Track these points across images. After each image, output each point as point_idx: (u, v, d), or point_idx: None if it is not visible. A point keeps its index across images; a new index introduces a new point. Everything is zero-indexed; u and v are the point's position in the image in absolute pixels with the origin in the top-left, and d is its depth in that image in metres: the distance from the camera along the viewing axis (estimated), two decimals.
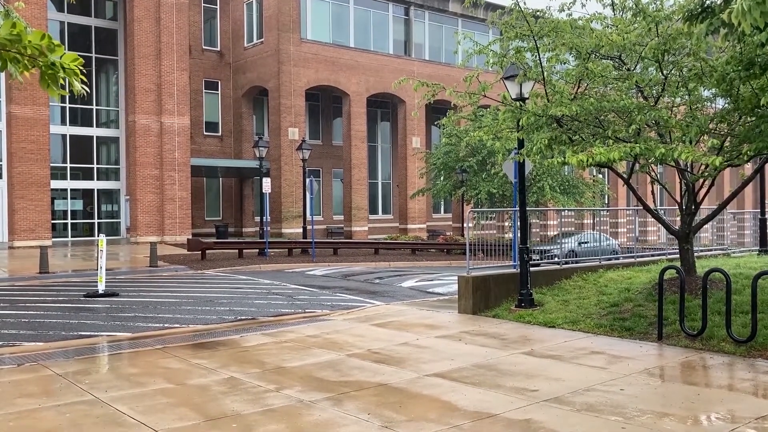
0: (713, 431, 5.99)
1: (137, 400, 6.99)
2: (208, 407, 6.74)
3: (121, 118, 33.93)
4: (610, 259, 21.68)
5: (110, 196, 34.58)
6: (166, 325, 11.88)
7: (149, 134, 31.64)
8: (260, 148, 29.07)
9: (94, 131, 33.82)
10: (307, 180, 28.00)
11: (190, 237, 30.09)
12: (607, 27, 11.32)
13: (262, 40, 36.47)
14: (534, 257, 23.36)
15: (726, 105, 10.24)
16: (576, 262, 21.14)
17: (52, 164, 30.09)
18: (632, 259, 15.75)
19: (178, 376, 8.06)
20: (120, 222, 34.29)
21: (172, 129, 32.05)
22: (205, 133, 38.52)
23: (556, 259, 21.22)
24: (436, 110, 39.64)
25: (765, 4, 4.80)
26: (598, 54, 11.05)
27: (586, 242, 25.29)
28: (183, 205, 32.33)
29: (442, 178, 33.99)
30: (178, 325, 11.86)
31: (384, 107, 42.73)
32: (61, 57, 4.15)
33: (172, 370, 8.33)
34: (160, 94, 31.76)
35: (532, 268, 12.66)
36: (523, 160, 11.81)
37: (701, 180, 11.51)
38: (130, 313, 13.13)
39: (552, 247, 25.01)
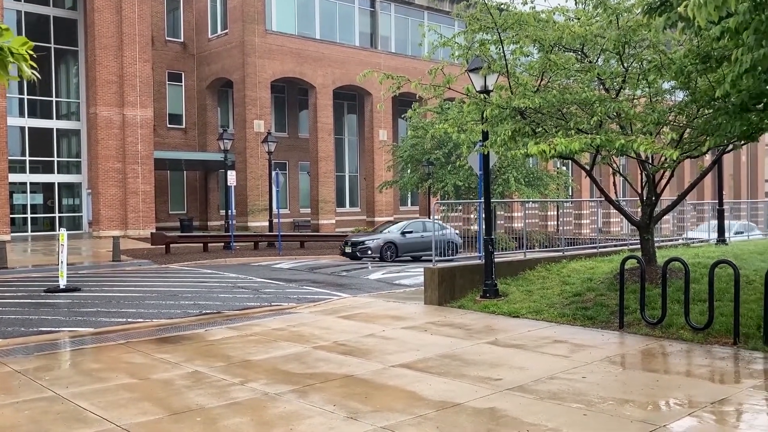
0: (672, 416, 6.13)
1: (99, 395, 6.89)
2: (172, 401, 6.68)
3: (82, 110, 33.28)
4: (445, 253, 21.63)
5: (71, 189, 33.92)
6: (129, 320, 11.72)
7: (111, 127, 31.08)
8: (225, 141, 28.80)
9: (54, 123, 33.11)
10: (273, 173, 27.83)
11: (153, 231, 29.70)
12: (570, 19, 11.45)
13: (227, 31, 36.05)
14: (346, 249, 24.71)
15: (684, 97, 10.45)
16: (398, 256, 23.97)
17: (10, 157, 29.38)
18: (595, 250, 15.99)
19: (142, 370, 7.96)
20: (82, 216, 33.67)
21: (135, 121, 31.53)
22: (168, 125, 37.98)
23: (369, 253, 23.98)
24: (403, 103, 39.69)
25: None
26: (560, 46, 11.18)
27: (411, 231, 25.17)
28: (146, 199, 31.86)
29: (409, 171, 34.07)
30: (141, 320, 11.71)
31: (351, 99, 42.62)
32: (9, 41, 4.04)
33: (136, 365, 8.23)
34: (122, 86, 31.20)
35: (496, 259, 12.78)
36: (488, 152, 11.89)
37: (661, 171, 11.73)
38: (93, 308, 12.92)
39: (367, 239, 24.84)
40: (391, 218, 40.52)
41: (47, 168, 32.89)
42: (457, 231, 25.92)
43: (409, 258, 25.30)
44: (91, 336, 10.40)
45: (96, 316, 12.16)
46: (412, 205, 45.05)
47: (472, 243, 17.97)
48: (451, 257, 23.50)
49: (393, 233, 25.22)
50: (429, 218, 28.85)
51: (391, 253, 24.48)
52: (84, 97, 32.82)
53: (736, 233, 22.78)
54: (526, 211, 20.98)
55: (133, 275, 19.02)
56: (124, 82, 31.20)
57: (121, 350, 9.14)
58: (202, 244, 26.86)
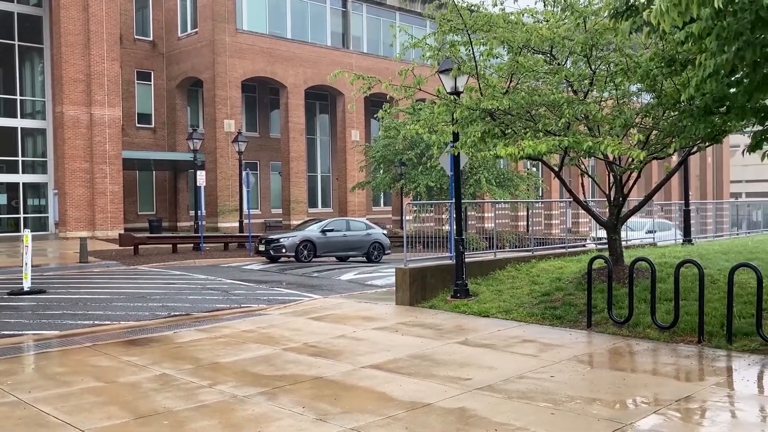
0: (638, 414, 6.22)
1: (63, 399, 6.77)
2: (139, 405, 6.59)
3: (48, 109, 32.67)
4: (370, 256, 21.34)
5: (37, 190, 33.28)
6: (96, 322, 11.54)
7: (78, 126, 30.56)
8: (194, 141, 28.53)
9: (18, 122, 32.46)
10: (244, 173, 27.63)
11: (122, 232, 29.28)
12: (538, 21, 11.55)
13: (197, 30, 35.70)
14: (260, 247, 23.40)
15: (651, 100, 10.62)
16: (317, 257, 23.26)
17: None
18: (564, 250, 16.16)
19: (108, 374, 7.84)
20: (48, 217, 33.05)
21: (103, 120, 31.05)
22: (137, 125, 37.48)
23: (284, 252, 22.67)
24: (376, 103, 39.69)
25: (681, 5, 5.00)
26: (529, 48, 11.27)
27: (332, 230, 23.78)
28: (114, 199, 31.39)
29: (381, 171, 34.08)
30: (108, 322, 11.54)
31: (323, 99, 42.49)
32: None
33: (102, 368, 8.11)
34: (89, 85, 30.70)
35: (467, 259, 12.85)
36: (458, 153, 11.95)
37: (629, 172, 11.90)
38: (58, 311, 12.69)
39: (282, 236, 23.43)
40: (364, 218, 40.47)
41: (11, 168, 32.23)
42: (385, 231, 26.08)
43: (333, 258, 24.30)
44: (56, 339, 10.22)
45: (61, 318, 11.95)
46: (384, 205, 45.08)
47: (443, 243, 18.08)
48: (376, 260, 23.80)
49: (312, 231, 23.73)
50: (362, 217, 29.26)
51: (308, 253, 22.94)
52: (50, 95, 32.22)
53: (648, 232, 20.69)
54: (497, 212, 21.12)
55: (100, 277, 18.73)
56: (91, 81, 30.70)
57: (87, 353, 8.99)
58: (171, 245, 26.55)
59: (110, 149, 31.26)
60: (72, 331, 10.71)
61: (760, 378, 7.33)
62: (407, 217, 15.27)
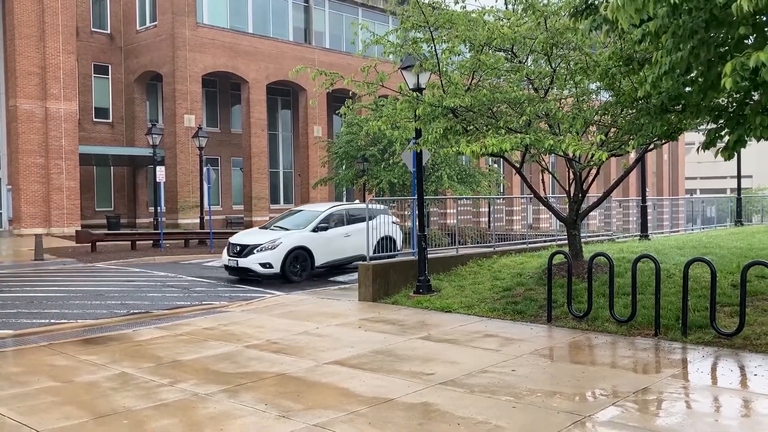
0: (597, 406, 6.33)
1: (19, 400, 6.61)
2: (97, 404, 6.47)
3: (1, 102, 31.76)
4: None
5: None
6: (52, 321, 11.29)
7: (33, 120, 29.79)
8: (154, 136, 28.08)
9: None
10: (205, 169, 27.30)
11: (79, 229, 28.65)
12: (500, 20, 11.65)
13: (156, 23, 35.08)
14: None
15: (609, 98, 10.80)
16: None
17: None
18: (525, 245, 16.35)
19: (65, 373, 7.68)
20: (1, 213, 32.17)
21: (59, 115, 30.33)
22: (94, 119, 36.70)
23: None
24: (338, 99, 39.53)
25: (638, 1, 5.08)
26: (491, 46, 11.36)
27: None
28: (71, 195, 30.70)
29: (344, 167, 33.98)
30: (65, 321, 11.30)
31: (285, 95, 42.19)
32: None
33: (59, 368, 7.94)
34: (44, 78, 29.94)
35: (429, 255, 12.92)
36: (421, 149, 11.99)
37: (588, 169, 12.10)
38: (12, 309, 12.37)
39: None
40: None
41: None
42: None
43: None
44: (10, 338, 9.97)
45: (16, 317, 11.65)
46: (347, 201, 45.00)
47: (406, 239, 18.06)
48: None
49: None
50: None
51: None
52: (3, 89, 31.33)
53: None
54: (459, 208, 21.30)
55: (56, 275, 18.31)
56: (46, 74, 29.95)
57: (44, 352, 8.79)
58: (130, 242, 26.08)
59: (66, 144, 30.56)
60: (27, 330, 10.47)
61: (713, 369, 7.53)
62: (371, 207, 15.28)
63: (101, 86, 37.02)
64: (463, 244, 16.07)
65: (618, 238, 20.10)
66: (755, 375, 7.18)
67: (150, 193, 35.95)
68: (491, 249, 15.46)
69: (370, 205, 17.44)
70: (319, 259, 16.89)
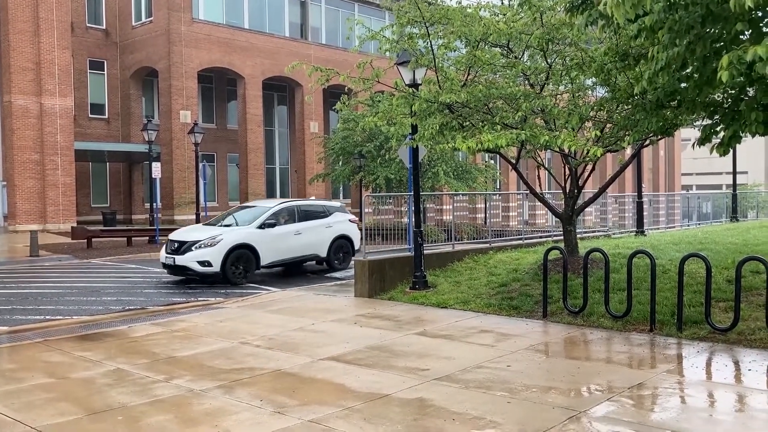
0: (592, 401, 6.33)
1: (13, 396, 6.60)
2: (92, 401, 6.46)
3: None
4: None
5: None
6: (47, 317, 11.26)
7: (28, 116, 29.69)
8: (150, 132, 28.01)
9: None
10: (201, 165, 27.24)
11: (74, 225, 28.60)
12: (495, 15, 11.63)
13: (151, 18, 34.95)
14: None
15: (605, 94, 10.80)
16: None
17: None
18: (521, 241, 16.36)
19: (61, 369, 7.66)
20: None
21: (54, 111, 30.22)
22: (90, 115, 36.58)
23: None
24: (334, 95, 39.47)
25: None
26: (487, 42, 11.35)
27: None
28: (67, 192, 30.62)
29: (340, 163, 33.95)
30: (60, 317, 11.28)
31: (281, 91, 42.10)
32: None
33: (54, 364, 7.92)
34: (39, 74, 29.83)
35: (426, 251, 12.92)
36: (417, 145, 11.97)
37: (583, 165, 12.10)
38: (8, 306, 12.35)
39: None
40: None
41: None
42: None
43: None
44: (5, 335, 9.95)
45: (11, 313, 11.63)
46: (344, 197, 44.95)
47: (402, 235, 18.09)
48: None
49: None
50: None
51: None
52: None
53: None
54: (455, 204, 21.27)
55: (52, 271, 18.27)
56: (41, 70, 29.84)
57: (39, 349, 8.77)
58: (125, 239, 26.03)
59: (62, 140, 30.47)
60: (22, 327, 10.44)
61: (708, 365, 7.55)
62: (366, 210, 15.25)
63: (97, 82, 36.89)
64: (459, 240, 16.05)
65: (614, 233, 20.13)
66: (749, 370, 7.20)
67: (146, 190, 35.88)
68: (487, 245, 15.46)
69: (324, 202, 17.33)
70: (266, 258, 15.63)
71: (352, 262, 16.28)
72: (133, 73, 36.60)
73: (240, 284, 14.93)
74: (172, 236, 16.03)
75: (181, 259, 15.03)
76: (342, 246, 17.14)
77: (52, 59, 30.09)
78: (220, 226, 16.24)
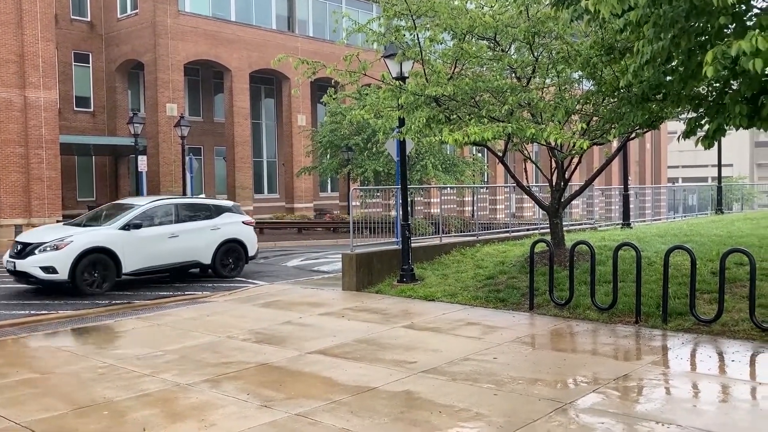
0: (578, 393, 6.38)
1: None
2: (78, 396, 6.42)
3: None
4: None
5: None
6: (32, 312, 11.19)
7: (11, 109, 29.37)
8: (135, 125, 27.85)
9: None
10: (187, 158, 27.13)
11: (60, 219, 28.35)
12: (482, 8, 11.62)
13: (137, 11, 34.66)
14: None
15: (591, 87, 10.83)
16: None
17: None
18: (508, 234, 16.42)
19: (45, 364, 7.62)
20: None
21: (38, 104, 29.92)
22: (75, 108, 36.26)
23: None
24: (322, 87, 39.32)
25: None
26: (473, 35, 11.34)
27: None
28: (52, 185, 30.35)
29: (328, 157, 33.89)
30: (46, 312, 11.20)
31: (268, 84, 41.91)
32: None
33: (39, 359, 7.88)
34: (22, 66, 29.49)
35: (413, 244, 12.93)
36: (404, 138, 11.97)
37: (570, 158, 12.14)
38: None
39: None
40: (310, 204, 40.13)
41: None
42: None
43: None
44: None
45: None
46: (332, 191, 44.89)
47: (390, 228, 18.09)
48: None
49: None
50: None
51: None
52: None
53: None
54: (443, 197, 21.32)
55: None
56: (24, 62, 29.50)
57: (23, 344, 8.71)
58: None
59: (46, 133, 30.18)
60: (6, 321, 10.36)
61: (693, 356, 7.61)
62: (354, 203, 15.22)
63: (82, 75, 36.56)
64: (446, 233, 16.10)
65: (600, 226, 20.23)
66: (733, 361, 7.27)
67: (132, 183, 35.67)
68: (474, 238, 15.51)
69: (213, 201, 15.46)
70: (130, 265, 13.45)
71: (250, 269, 15.89)
72: (119, 66, 36.30)
73: (95, 295, 12.79)
74: (20, 237, 14.22)
75: (22, 264, 12.85)
76: (232, 250, 15.16)
77: (36, 51, 29.77)
78: (84, 225, 14.10)
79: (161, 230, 14.08)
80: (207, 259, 14.72)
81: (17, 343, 8.76)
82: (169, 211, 14.48)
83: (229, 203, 15.99)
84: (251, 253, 15.58)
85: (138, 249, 13.56)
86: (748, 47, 5.39)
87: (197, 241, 14.52)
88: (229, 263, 15.22)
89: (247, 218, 16.12)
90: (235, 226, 15.27)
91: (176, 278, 14.80)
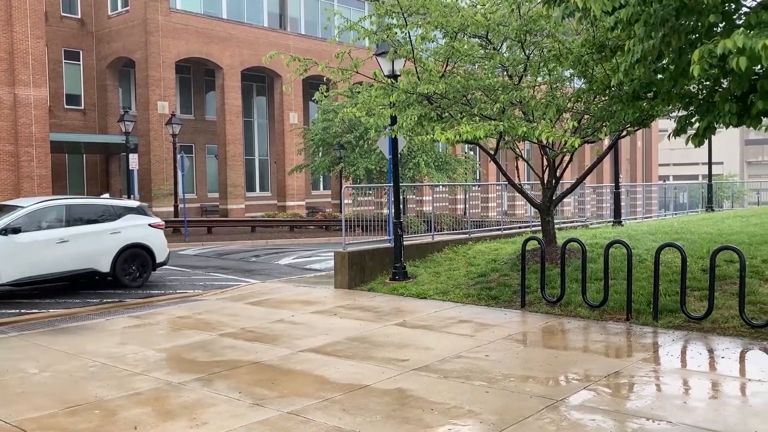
0: (570, 390, 6.40)
1: None
2: (69, 394, 6.40)
3: None
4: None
5: None
6: (22, 311, 11.13)
7: (1, 107, 29.19)
8: (126, 123, 27.75)
9: None
10: (179, 156, 27.05)
11: None
12: (473, 6, 11.63)
13: (128, 8, 34.50)
14: None
15: (582, 85, 10.86)
16: None
17: None
18: (500, 232, 16.45)
19: (36, 363, 7.58)
20: None
21: (28, 101, 29.75)
22: (66, 106, 36.07)
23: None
24: (314, 85, 39.27)
25: None
26: (465, 33, 11.35)
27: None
28: (42, 184, 30.20)
29: (320, 154, 33.86)
30: (36, 311, 11.15)
31: (260, 81, 41.81)
32: None
33: (29, 358, 7.83)
34: (12, 64, 29.32)
35: (406, 242, 12.94)
36: (395, 136, 11.97)
37: (561, 156, 12.17)
38: None
39: None
40: (302, 202, 40.03)
41: None
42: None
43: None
44: None
45: None
46: (324, 189, 44.85)
47: (381, 227, 18.11)
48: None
49: None
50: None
51: None
52: None
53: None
54: (435, 195, 21.33)
55: None
56: (14, 60, 29.33)
57: (14, 342, 8.67)
58: None
59: (37, 131, 30.01)
60: None
61: (683, 353, 7.66)
62: (346, 201, 15.22)
63: (72, 72, 36.37)
64: (439, 231, 16.11)
65: (592, 224, 20.31)
66: (722, 358, 7.32)
67: (123, 181, 35.51)
68: (467, 236, 15.53)
69: (114, 201, 13.94)
70: (7, 274, 11.95)
71: (159, 276, 14.38)
72: (110, 64, 36.13)
73: None
74: None
75: None
76: (136, 257, 13.51)
77: (26, 49, 29.59)
78: None
79: (47, 234, 12.51)
80: (105, 267, 13.11)
81: (7, 342, 8.71)
82: (59, 214, 12.91)
83: (135, 204, 14.32)
84: (160, 259, 13.99)
85: (16, 256, 12.04)
86: (733, 46, 5.43)
87: (92, 247, 12.95)
88: (132, 271, 13.56)
89: (156, 220, 14.49)
90: (140, 229, 13.64)
91: (64, 291, 13.26)
